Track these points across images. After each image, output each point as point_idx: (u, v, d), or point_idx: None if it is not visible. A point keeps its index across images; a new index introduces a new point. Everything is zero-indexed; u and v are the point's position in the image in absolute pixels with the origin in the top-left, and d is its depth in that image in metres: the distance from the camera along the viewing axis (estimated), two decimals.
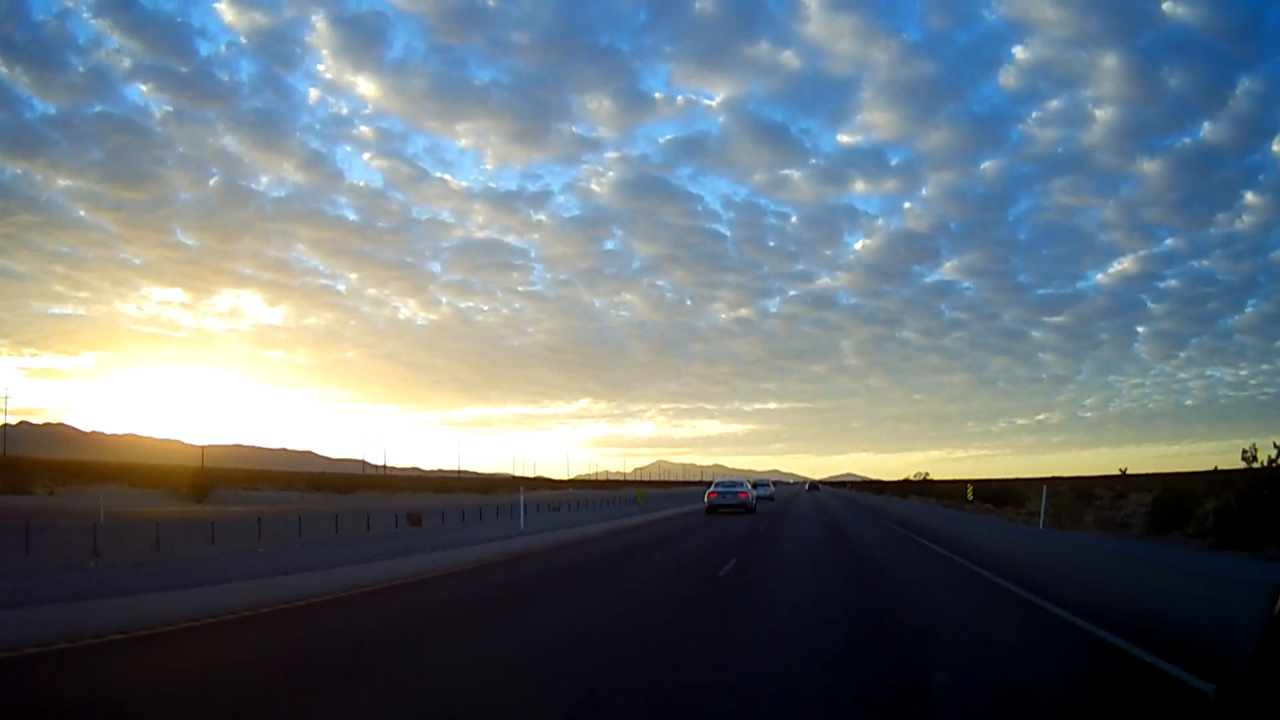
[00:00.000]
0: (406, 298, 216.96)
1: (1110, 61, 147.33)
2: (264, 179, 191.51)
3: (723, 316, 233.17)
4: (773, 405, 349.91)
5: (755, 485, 52.52)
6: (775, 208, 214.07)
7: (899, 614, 10.29)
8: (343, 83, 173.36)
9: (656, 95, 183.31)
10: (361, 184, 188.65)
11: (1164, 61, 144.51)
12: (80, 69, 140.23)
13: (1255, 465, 21.28)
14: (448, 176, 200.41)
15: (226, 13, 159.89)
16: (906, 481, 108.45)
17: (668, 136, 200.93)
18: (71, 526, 30.66)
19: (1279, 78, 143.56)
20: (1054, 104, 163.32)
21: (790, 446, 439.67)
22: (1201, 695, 5.98)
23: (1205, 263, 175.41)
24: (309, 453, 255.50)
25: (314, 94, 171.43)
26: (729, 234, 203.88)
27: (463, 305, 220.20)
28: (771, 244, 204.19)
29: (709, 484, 47.13)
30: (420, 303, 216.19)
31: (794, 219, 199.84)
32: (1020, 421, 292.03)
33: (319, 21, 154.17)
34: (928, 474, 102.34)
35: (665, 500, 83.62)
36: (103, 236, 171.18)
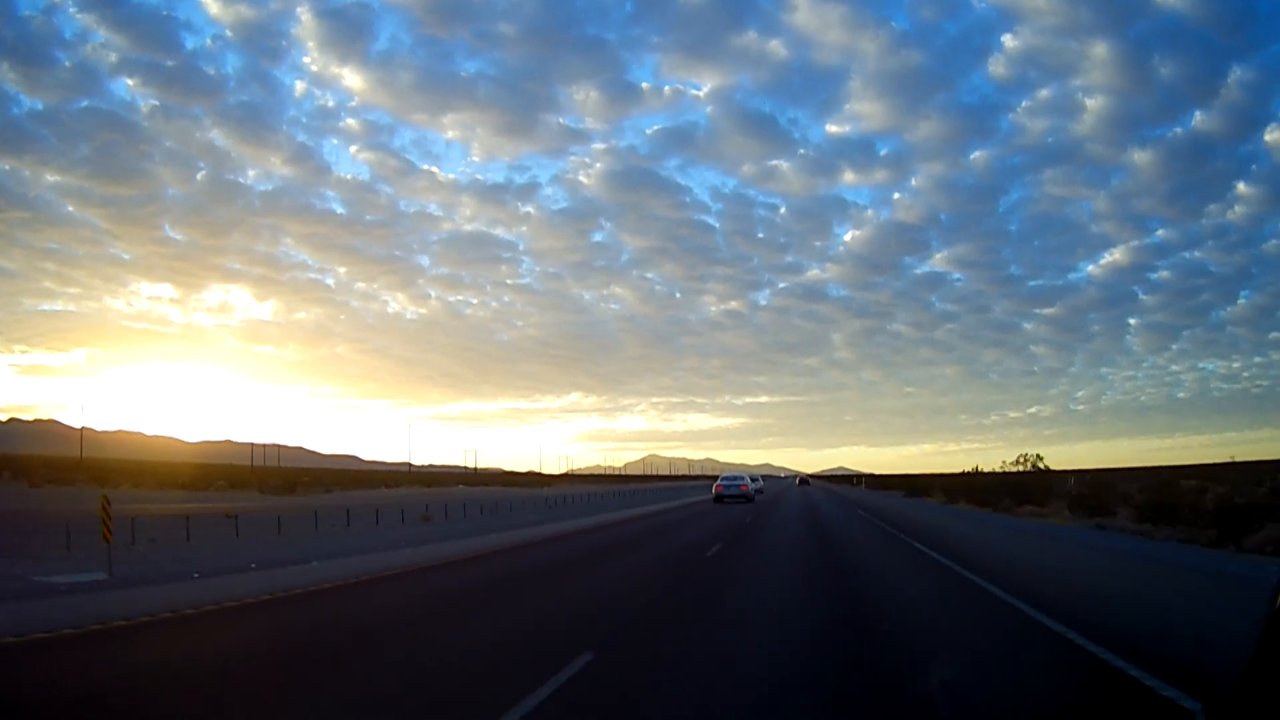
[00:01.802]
0: (395, 291, 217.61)
1: (1101, 50, 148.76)
2: (251, 173, 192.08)
3: (713, 309, 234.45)
4: (764, 399, 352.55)
5: (752, 480, 63.26)
6: (764, 199, 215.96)
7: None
8: (329, 75, 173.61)
9: (644, 86, 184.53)
10: (349, 177, 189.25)
11: (1155, 51, 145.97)
12: (67, 64, 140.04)
13: None
14: (435, 169, 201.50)
15: (211, 6, 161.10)
16: (976, 474, 58.30)
17: (655, 128, 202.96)
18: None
19: (1271, 67, 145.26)
20: (1044, 93, 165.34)
21: (782, 440, 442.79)
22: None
23: (1197, 254, 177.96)
24: (300, 448, 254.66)
25: (300, 87, 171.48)
26: (718, 226, 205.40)
27: (452, 299, 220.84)
28: (761, 236, 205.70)
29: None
30: (409, 296, 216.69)
31: (783, 210, 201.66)
32: (1012, 414, 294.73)
33: (304, 14, 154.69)
34: (1040, 457, 48.23)
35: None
36: (92, 233, 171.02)
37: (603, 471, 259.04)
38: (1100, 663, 7.55)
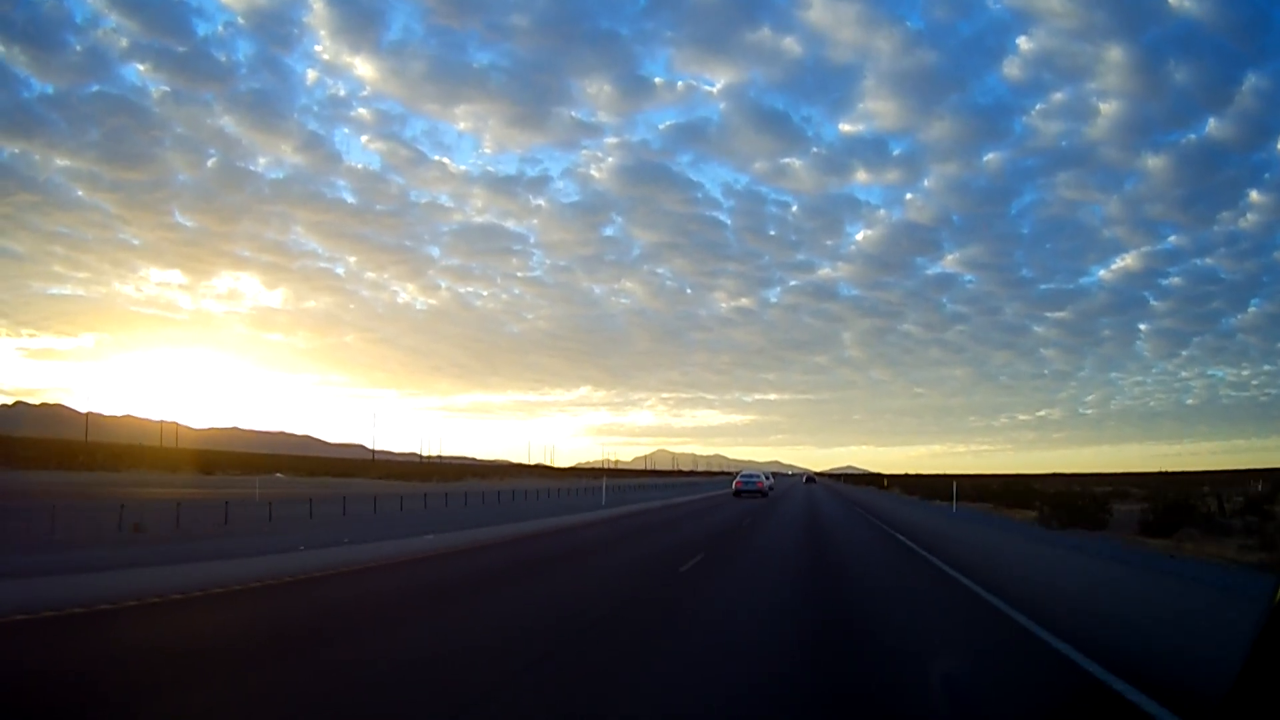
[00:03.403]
0: (405, 282, 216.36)
1: (1116, 55, 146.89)
2: (262, 160, 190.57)
3: (723, 305, 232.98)
4: (773, 396, 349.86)
5: (765, 478, 69.30)
6: (776, 196, 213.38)
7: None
8: (340, 64, 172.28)
9: (657, 81, 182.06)
10: (360, 166, 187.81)
11: (1170, 56, 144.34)
12: (78, 48, 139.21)
13: None
14: (446, 160, 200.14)
15: None
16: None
17: (668, 123, 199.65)
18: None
19: None
20: (1058, 96, 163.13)
21: (790, 438, 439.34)
22: None
23: (1209, 261, 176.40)
24: (308, 437, 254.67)
25: (312, 75, 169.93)
26: (729, 222, 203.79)
27: (462, 290, 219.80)
28: (772, 233, 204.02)
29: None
30: (419, 287, 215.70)
31: (795, 208, 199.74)
32: (1021, 417, 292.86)
33: (316, 2, 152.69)
34: None
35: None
36: (101, 217, 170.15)
37: (604, 465, 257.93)
38: None
